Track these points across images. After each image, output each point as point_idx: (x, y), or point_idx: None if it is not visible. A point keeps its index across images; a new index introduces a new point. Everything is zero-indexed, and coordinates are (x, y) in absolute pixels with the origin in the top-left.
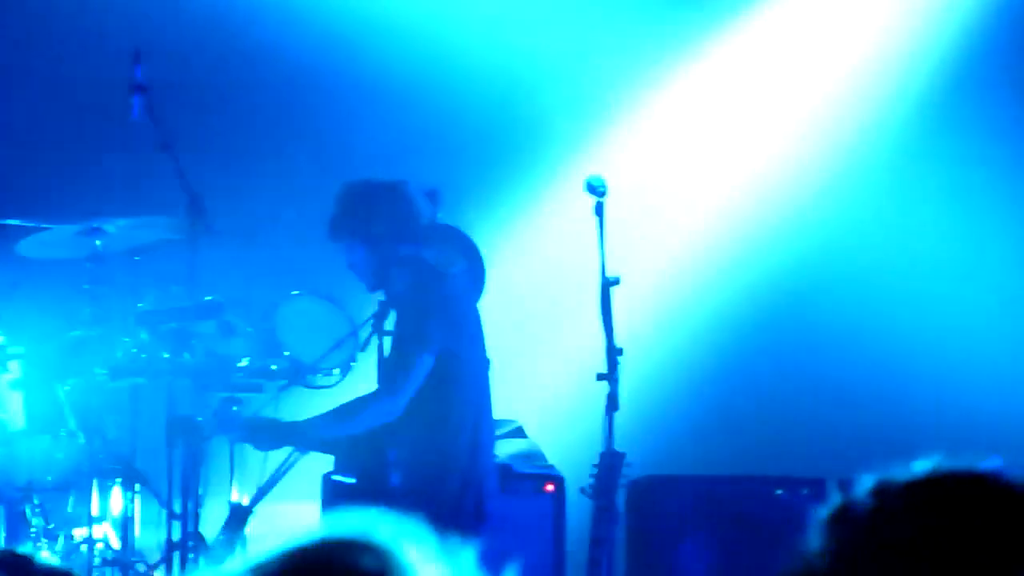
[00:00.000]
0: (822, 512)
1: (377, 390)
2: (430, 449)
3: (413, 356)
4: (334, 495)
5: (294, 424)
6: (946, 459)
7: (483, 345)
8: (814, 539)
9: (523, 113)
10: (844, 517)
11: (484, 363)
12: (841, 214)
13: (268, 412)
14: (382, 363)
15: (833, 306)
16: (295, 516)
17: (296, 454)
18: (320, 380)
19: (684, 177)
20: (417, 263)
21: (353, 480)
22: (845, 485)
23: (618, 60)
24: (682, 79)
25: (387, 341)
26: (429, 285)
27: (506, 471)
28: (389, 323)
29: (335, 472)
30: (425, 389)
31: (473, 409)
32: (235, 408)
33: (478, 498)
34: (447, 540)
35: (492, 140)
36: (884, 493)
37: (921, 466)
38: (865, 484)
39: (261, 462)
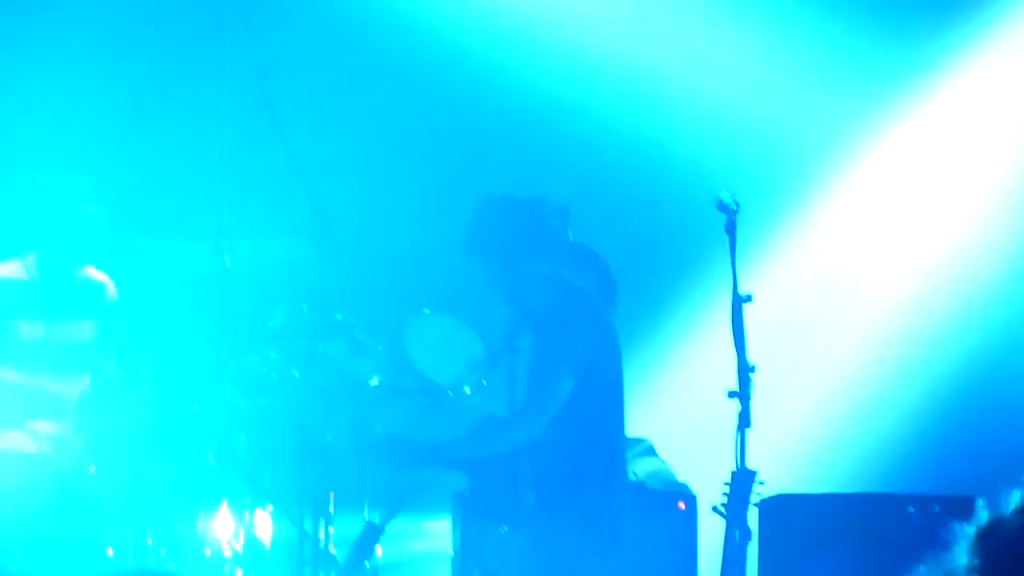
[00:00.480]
0: (970, 528)
1: (518, 411)
2: (565, 468)
3: (554, 377)
4: (467, 512)
5: (437, 445)
6: None
7: (619, 364)
8: (961, 555)
9: (647, 132)
10: (993, 533)
11: (620, 382)
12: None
13: (403, 430)
14: (512, 381)
15: (965, 323)
16: (426, 534)
17: (427, 474)
18: (451, 399)
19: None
20: (556, 281)
21: (487, 498)
22: (992, 502)
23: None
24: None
25: (518, 359)
26: (569, 304)
27: (638, 489)
28: (520, 341)
29: (469, 489)
30: (564, 409)
31: (609, 429)
32: (374, 426)
33: (612, 517)
34: (581, 557)
35: (619, 157)
36: None
37: None
38: (1014, 501)
39: (392, 481)
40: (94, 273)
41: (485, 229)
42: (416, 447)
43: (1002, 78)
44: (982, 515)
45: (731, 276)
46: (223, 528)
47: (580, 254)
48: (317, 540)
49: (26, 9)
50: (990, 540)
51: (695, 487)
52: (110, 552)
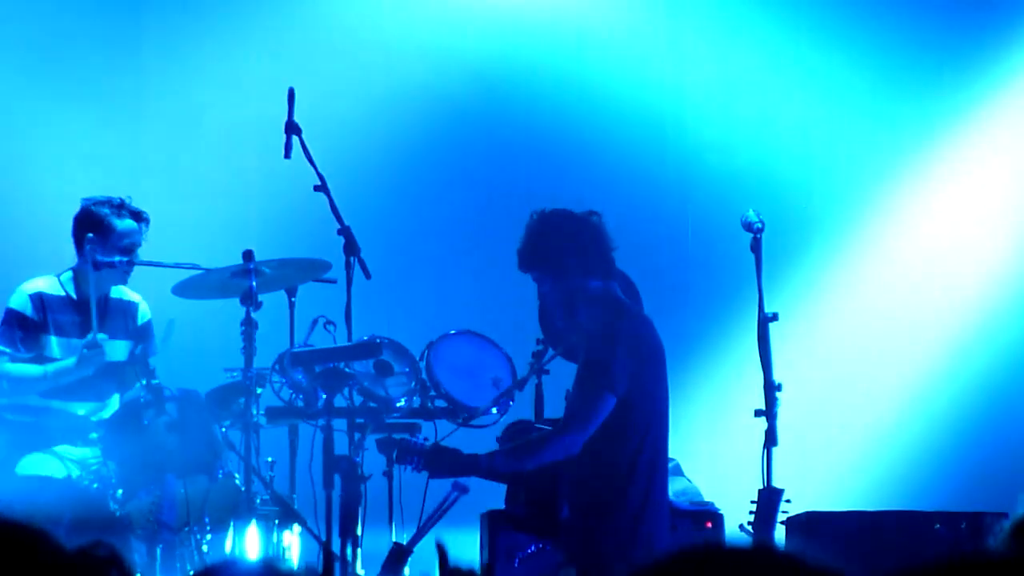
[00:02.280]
0: (1007, 523)
1: (560, 426)
2: (602, 485)
3: (597, 394)
4: (501, 526)
5: (475, 456)
6: None
7: (664, 383)
8: (999, 545)
9: (672, 147)
10: None
11: (665, 402)
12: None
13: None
14: (539, 402)
15: (990, 341)
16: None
17: (455, 494)
18: (478, 419)
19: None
20: (607, 298)
21: (520, 513)
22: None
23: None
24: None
25: (545, 380)
26: (618, 320)
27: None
28: (548, 362)
29: (506, 505)
30: (603, 426)
31: (651, 448)
32: (415, 438)
33: (647, 537)
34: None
35: (642, 175)
36: None
37: None
38: None
39: (420, 501)
40: (128, 292)
41: (537, 244)
42: (462, 458)
43: None
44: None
45: (757, 294)
46: (252, 549)
47: (619, 273)
48: (345, 561)
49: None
50: None
51: (722, 506)
52: None
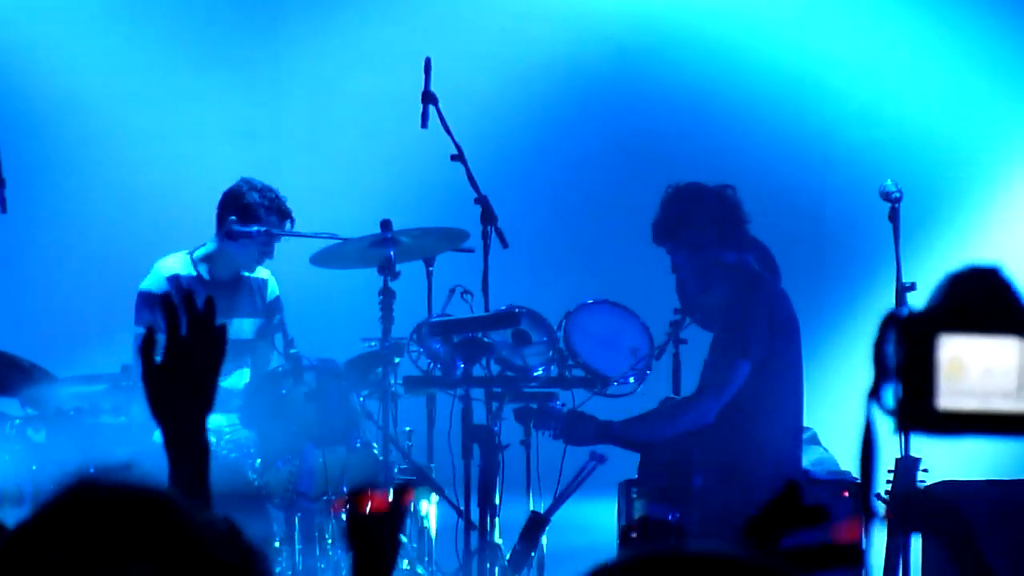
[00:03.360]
0: None
1: (694, 394)
2: (735, 454)
3: (732, 362)
4: (632, 498)
5: (611, 423)
6: None
7: (799, 354)
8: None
9: (812, 115)
10: None
11: (799, 371)
12: None
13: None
14: (676, 371)
15: None
16: (592, 526)
17: (592, 464)
18: (615, 388)
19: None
20: (742, 270)
21: (655, 481)
22: None
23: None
24: None
25: (682, 349)
26: (753, 291)
27: (804, 477)
28: (684, 332)
29: (639, 474)
30: (737, 395)
31: (785, 417)
32: (557, 404)
33: None
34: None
35: (780, 151)
36: None
37: None
38: None
39: (557, 471)
40: (259, 270)
41: (671, 217)
42: (599, 425)
43: None
44: None
45: (895, 264)
46: None
47: (756, 243)
48: (483, 530)
49: None
50: None
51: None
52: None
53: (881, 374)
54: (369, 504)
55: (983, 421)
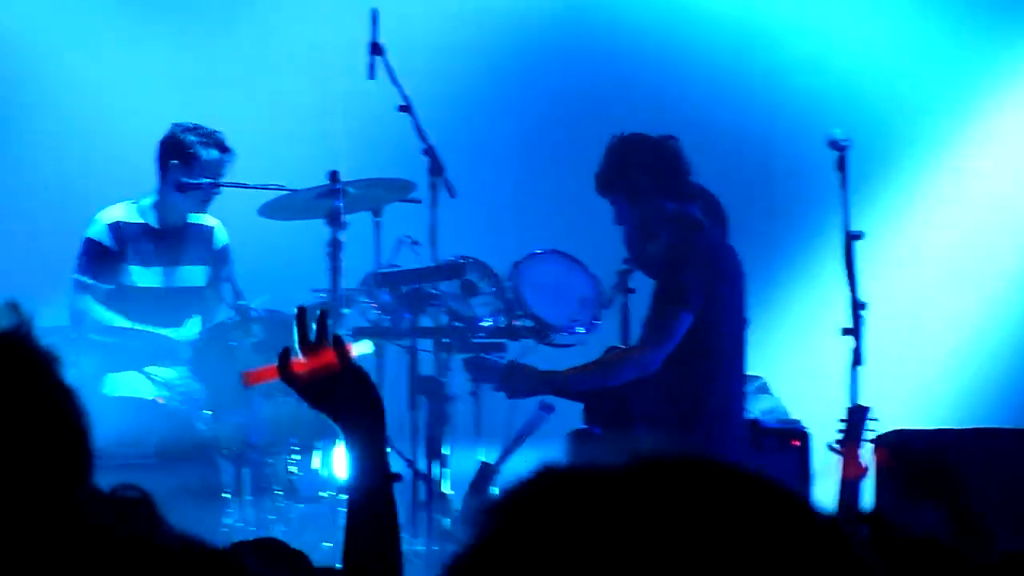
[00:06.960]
0: None
1: (636, 344)
2: (676, 403)
3: (673, 312)
4: (579, 446)
5: (551, 373)
6: None
7: (742, 303)
8: None
9: (760, 64)
10: None
11: (742, 322)
12: None
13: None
14: (625, 321)
15: None
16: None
17: (541, 413)
18: (564, 338)
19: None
20: (684, 220)
21: (599, 431)
22: None
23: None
24: None
25: (631, 299)
26: (691, 240)
27: (753, 426)
28: (632, 281)
29: (584, 423)
30: (679, 344)
31: (726, 367)
32: (491, 356)
33: (725, 455)
34: None
35: (728, 100)
36: None
37: None
38: None
39: (506, 421)
40: (204, 217)
41: (613, 168)
42: (538, 376)
43: None
44: None
45: (842, 212)
46: (339, 469)
47: (700, 192)
48: (432, 481)
49: None
50: None
51: (808, 424)
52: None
53: None
54: (306, 364)
55: None
